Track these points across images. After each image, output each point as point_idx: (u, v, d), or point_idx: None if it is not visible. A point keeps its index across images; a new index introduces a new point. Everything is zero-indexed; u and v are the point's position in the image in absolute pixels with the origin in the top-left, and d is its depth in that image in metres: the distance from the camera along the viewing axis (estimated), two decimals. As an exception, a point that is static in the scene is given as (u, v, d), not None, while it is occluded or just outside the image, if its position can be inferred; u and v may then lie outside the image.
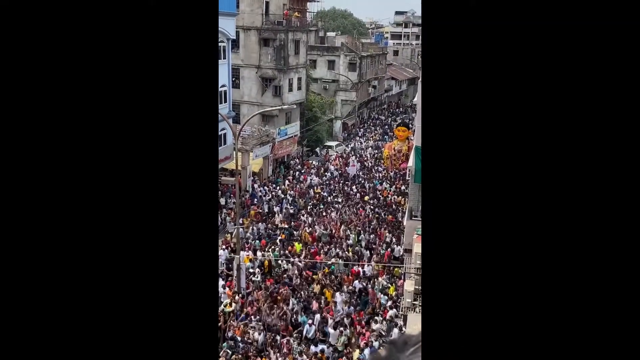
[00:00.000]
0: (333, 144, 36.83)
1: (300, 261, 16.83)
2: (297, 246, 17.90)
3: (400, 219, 20.91)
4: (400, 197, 24.25)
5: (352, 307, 14.41)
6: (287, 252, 17.60)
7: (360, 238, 19.29)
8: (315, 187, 25.45)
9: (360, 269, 16.55)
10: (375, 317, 13.89)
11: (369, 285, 15.47)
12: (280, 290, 14.83)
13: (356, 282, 15.61)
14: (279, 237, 19.23)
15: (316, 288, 15.44)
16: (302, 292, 15.07)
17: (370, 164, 31.55)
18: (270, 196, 24.32)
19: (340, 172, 28.82)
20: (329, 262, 16.79)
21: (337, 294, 14.64)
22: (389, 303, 14.61)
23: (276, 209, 22.22)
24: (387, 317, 13.86)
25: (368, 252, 18.18)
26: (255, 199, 23.74)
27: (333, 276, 16.28)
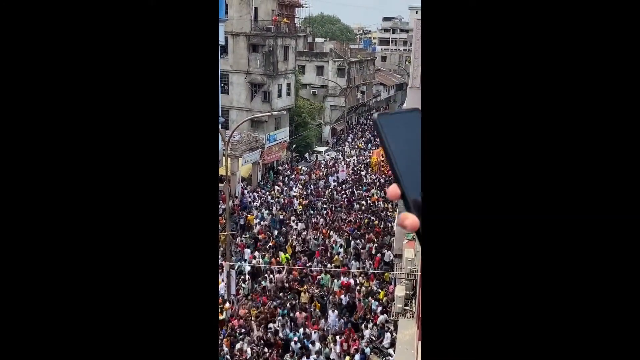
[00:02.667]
0: (322, 149, 36.90)
1: (288, 270, 16.63)
2: (283, 257, 17.71)
3: (389, 225, 20.94)
4: (388, 203, 24.29)
5: (341, 321, 14.12)
6: (272, 262, 17.42)
7: (350, 245, 19.27)
8: (297, 198, 25.03)
9: (350, 280, 16.33)
10: (365, 323, 13.82)
11: (357, 299, 15.16)
12: (266, 306, 14.58)
13: (342, 296, 15.25)
14: (270, 244, 19.14)
15: (304, 298, 15.24)
16: (288, 304, 14.75)
17: (356, 169, 31.61)
18: (260, 202, 24.25)
19: (324, 181, 28.62)
20: (320, 276, 16.55)
21: (330, 311, 14.27)
22: (380, 309, 14.58)
23: (256, 220, 21.79)
24: (378, 323, 13.84)
25: (357, 262, 18.04)
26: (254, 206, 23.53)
27: (324, 288, 15.99)
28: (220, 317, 13.92)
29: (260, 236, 20.08)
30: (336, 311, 14.23)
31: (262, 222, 21.64)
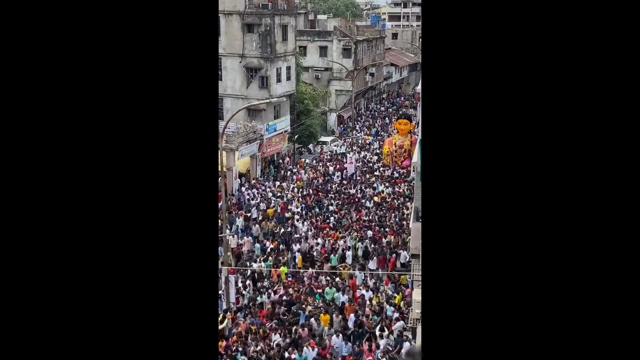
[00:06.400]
0: (328, 139, 36.80)
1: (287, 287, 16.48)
2: (282, 270, 17.67)
3: (404, 223, 20.87)
4: (401, 198, 24.13)
5: (348, 344, 13.86)
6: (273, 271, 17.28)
7: (364, 244, 19.20)
8: (294, 200, 24.67)
9: (362, 292, 16.17)
10: (381, 332, 13.75)
11: (365, 315, 14.94)
12: (266, 324, 14.46)
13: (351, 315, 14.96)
14: (270, 246, 19.13)
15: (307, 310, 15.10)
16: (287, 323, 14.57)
17: (361, 162, 31.43)
18: (259, 199, 24.21)
19: (325, 177, 28.35)
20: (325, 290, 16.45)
21: (334, 336, 14.02)
22: (396, 315, 14.52)
23: (228, 230, 20.36)
24: (394, 330, 13.78)
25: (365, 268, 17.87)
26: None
27: (331, 302, 15.80)
28: (221, 326, 13.90)
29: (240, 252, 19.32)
30: (341, 336, 13.89)
31: (242, 237, 20.42)
